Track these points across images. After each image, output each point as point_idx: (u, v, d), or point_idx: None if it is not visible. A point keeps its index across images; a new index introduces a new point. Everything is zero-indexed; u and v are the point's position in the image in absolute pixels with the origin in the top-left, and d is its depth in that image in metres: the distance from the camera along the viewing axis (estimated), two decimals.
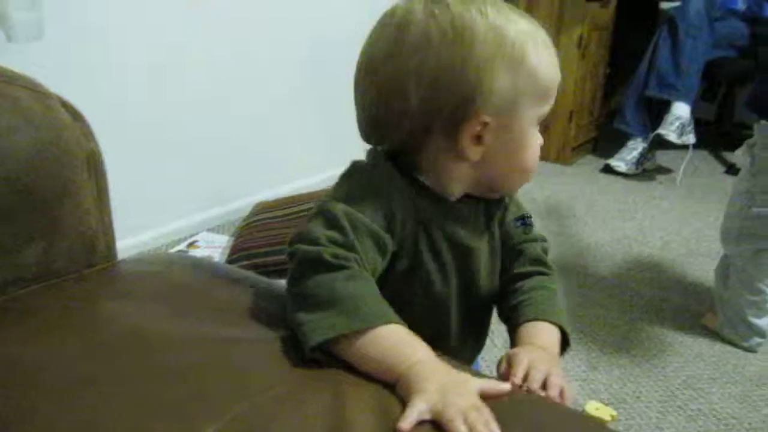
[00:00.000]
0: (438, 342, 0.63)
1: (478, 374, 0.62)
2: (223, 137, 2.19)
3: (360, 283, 0.61)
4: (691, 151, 2.83)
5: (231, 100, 2.19)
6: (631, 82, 2.99)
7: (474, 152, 0.67)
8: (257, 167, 2.36)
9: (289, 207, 2.09)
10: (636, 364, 1.58)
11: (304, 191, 2.27)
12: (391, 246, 0.67)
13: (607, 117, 3.37)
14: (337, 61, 2.49)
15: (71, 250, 0.79)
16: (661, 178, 2.93)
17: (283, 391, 0.58)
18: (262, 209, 2.14)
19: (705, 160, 3.15)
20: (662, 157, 3.09)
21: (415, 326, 0.62)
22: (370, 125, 0.71)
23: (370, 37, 0.68)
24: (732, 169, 2.94)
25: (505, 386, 0.59)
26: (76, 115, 0.81)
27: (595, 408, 1.32)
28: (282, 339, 0.64)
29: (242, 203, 2.27)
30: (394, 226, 0.67)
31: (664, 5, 3.43)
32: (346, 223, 0.63)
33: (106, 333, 0.68)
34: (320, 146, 2.56)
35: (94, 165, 0.82)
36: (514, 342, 0.74)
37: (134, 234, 1.98)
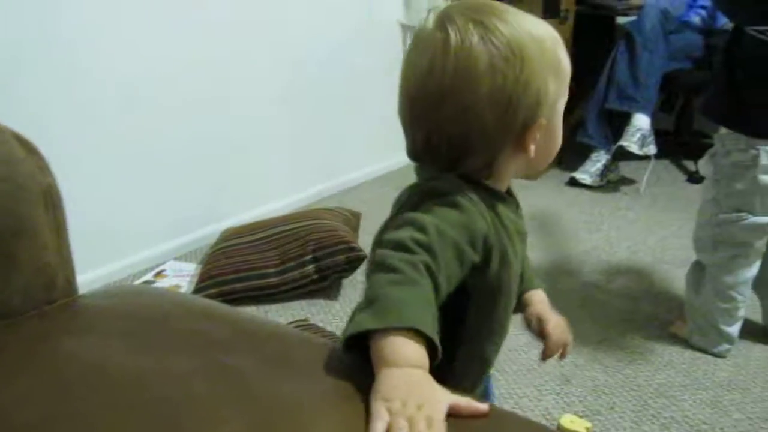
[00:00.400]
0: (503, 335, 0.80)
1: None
2: (187, 164, 2.17)
3: (406, 288, 0.61)
4: (652, 161, 2.88)
5: (195, 128, 2.17)
6: (591, 96, 3.04)
7: (532, 150, 0.74)
8: (223, 194, 2.34)
9: (257, 232, 2.08)
10: (609, 375, 1.59)
11: (270, 216, 2.26)
12: (472, 259, 0.69)
13: (570, 130, 3.41)
14: (300, 91, 2.53)
15: (29, 287, 0.77)
16: (625, 188, 2.97)
17: (245, 424, 0.57)
18: (230, 235, 2.12)
19: (666, 169, 3.20)
20: (625, 168, 3.13)
21: (497, 329, 0.79)
22: (442, 151, 0.73)
23: (422, 69, 0.71)
24: (693, 177, 3.00)
25: (483, 407, 0.59)
26: (30, 149, 0.80)
27: (569, 421, 1.32)
28: (246, 369, 0.63)
29: (209, 230, 2.25)
30: (477, 240, 0.70)
31: (620, 20, 3.50)
32: (432, 230, 0.65)
33: (68, 371, 0.67)
34: (285, 172, 2.57)
35: (51, 199, 0.81)
36: (522, 305, 0.91)
37: (100, 265, 1.95)
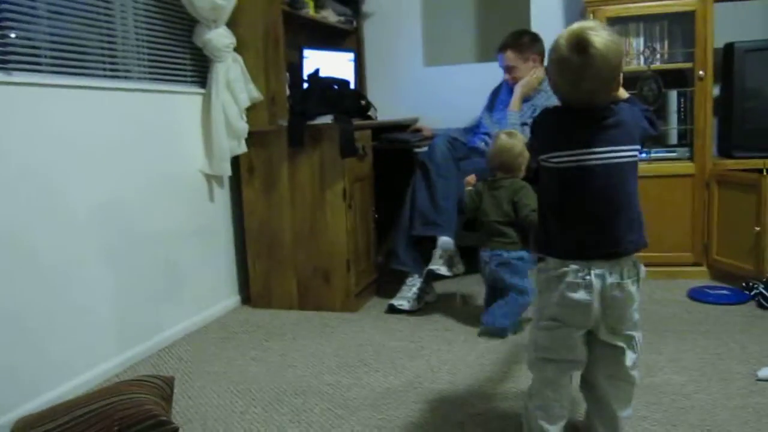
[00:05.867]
0: None
1: None
2: None
3: None
4: (462, 279, 3.03)
5: None
6: (399, 224, 3.19)
7: None
8: (10, 379, 2.11)
9: (58, 418, 1.87)
10: None
11: (71, 396, 2.06)
12: None
13: (384, 258, 3.53)
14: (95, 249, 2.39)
15: None
16: (442, 308, 3.08)
17: None
18: (25, 427, 1.90)
19: (478, 282, 3.37)
20: (441, 287, 3.27)
21: None
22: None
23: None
24: None
25: None
26: None
27: None
28: None
29: None
30: None
31: (416, 150, 3.76)
32: None
33: None
34: (81, 343, 2.38)
35: None
36: None
37: None
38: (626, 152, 1.55)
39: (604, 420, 1.71)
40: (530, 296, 2.67)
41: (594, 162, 1.53)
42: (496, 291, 2.78)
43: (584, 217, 1.57)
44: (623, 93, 1.65)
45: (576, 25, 1.51)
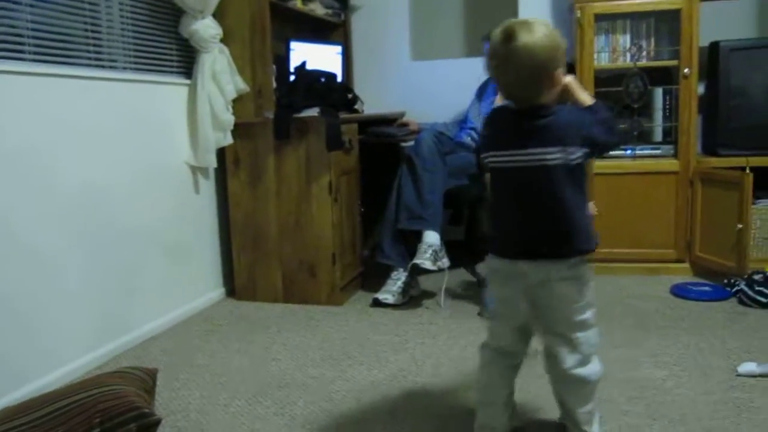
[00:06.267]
0: None
1: None
2: None
3: None
4: (447, 273, 3.04)
5: None
6: (385, 218, 3.19)
7: None
8: None
9: (40, 408, 1.86)
10: None
11: (52, 388, 2.05)
12: None
13: (370, 252, 3.53)
14: (82, 240, 2.38)
15: None
16: (426, 302, 3.09)
17: None
18: (4, 418, 1.88)
19: (462, 277, 3.38)
20: (426, 282, 3.28)
21: None
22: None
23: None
24: (481, 282, 3.19)
25: None
26: None
27: None
28: None
29: None
30: None
31: (403, 144, 3.76)
32: None
33: None
34: (67, 333, 2.37)
35: None
36: None
37: None
38: (554, 155, 1.51)
39: (567, 415, 1.73)
40: None
41: (521, 163, 1.54)
42: None
43: (511, 217, 1.62)
44: (586, 98, 1.60)
45: (516, 19, 1.53)
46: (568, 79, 1.58)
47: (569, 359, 1.62)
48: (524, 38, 1.47)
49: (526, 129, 1.54)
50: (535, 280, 1.58)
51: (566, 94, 1.59)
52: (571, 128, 1.53)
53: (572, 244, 1.57)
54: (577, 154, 1.52)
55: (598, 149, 1.58)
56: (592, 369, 1.64)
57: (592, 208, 2.98)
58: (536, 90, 1.53)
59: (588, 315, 1.62)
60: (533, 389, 2.05)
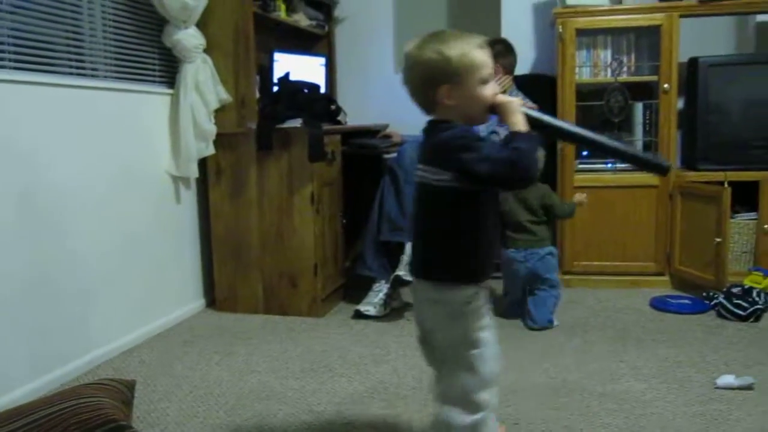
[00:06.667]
0: None
1: None
2: None
3: None
4: None
5: None
6: (366, 230, 3.19)
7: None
8: None
9: (12, 422, 1.84)
10: None
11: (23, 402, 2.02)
12: None
13: (352, 263, 3.53)
14: (61, 249, 2.35)
15: None
16: (408, 314, 3.09)
17: None
18: None
19: None
20: (407, 294, 3.26)
21: None
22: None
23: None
24: None
25: None
26: None
27: None
28: None
29: None
30: None
31: (385, 156, 3.76)
32: None
33: None
34: (40, 347, 2.34)
35: None
36: None
37: None
38: (425, 174, 1.47)
39: None
40: (560, 288, 2.99)
41: (417, 177, 1.53)
42: (525, 291, 2.94)
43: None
44: (516, 122, 1.43)
45: (439, 30, 1.53)
46: (501, 99, 1.46)
47: (437, 388, 1.58)
48: (411, 52, 1.49)
49: (424, 143, 1.52)
50: (419, 297, 1.61)
51: (501, 114, 1.46)
52: (439, 149, 1.44)
53: (430, 267, 1.53)
54: (441, 176, 1.43)
55: (478, 180, 1.39)
56: (457, 419, 1.49)
57: (580, 197, 3.05)
58: (422, 102, 1.50)
59: (470, 353, 1.49)
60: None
